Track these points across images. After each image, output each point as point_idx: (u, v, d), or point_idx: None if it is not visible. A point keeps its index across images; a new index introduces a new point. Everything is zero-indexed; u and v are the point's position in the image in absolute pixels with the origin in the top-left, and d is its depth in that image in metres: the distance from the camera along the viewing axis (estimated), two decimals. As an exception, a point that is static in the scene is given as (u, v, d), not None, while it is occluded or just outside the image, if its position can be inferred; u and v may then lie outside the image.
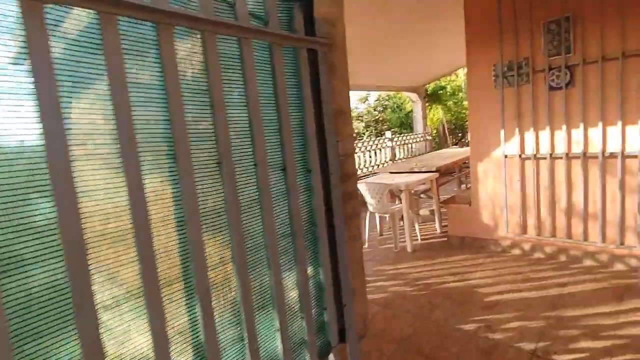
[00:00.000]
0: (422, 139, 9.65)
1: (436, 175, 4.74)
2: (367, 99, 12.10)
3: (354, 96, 12.06)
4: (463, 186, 7.46)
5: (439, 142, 11.57)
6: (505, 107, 3.65)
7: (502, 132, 3.69)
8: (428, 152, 9.79)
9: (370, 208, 4.54)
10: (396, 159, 8.74)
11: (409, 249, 4.25)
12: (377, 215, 4.73)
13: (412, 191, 4.86)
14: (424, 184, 4.98)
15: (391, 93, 13.29)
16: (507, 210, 3.78)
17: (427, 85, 11.12)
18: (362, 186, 4.46)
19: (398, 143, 8.75)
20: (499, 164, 3.82)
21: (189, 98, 1.30)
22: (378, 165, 8.05)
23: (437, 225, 4.84)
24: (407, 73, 8.51)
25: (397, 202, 5.05)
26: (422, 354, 2.33)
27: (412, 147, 9.31)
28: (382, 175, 5.11)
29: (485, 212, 4.02)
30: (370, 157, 7.87)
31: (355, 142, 7.69)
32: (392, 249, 4.37)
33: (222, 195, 1.40)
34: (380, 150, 8.15)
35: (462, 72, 13.47)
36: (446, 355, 2.29)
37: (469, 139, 4.35)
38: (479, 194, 4.03)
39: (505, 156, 3.72)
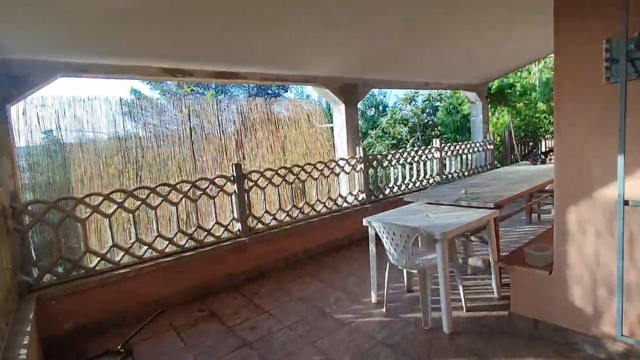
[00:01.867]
0: (481, 149, 7.84)
1: (495, 213, 3.18)
2: (413, 99, 10.36)
3: (397, 95, 10.57)
4: (535, 216, 5.63)
5: (503, 153, 9.57)
6: (631, 115, 2.05)
7: (619, 159, 2.09)
8: (487, 169, 7.94)
9: (390, 258, 3.13)
10: (446, 172, 7.09)
11: (445, 329, 2.78)
12: (402, 267, 3.29)
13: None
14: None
15: (447, 92, 11.43)
16: (623, 293, 2.17)
17: (491, 83, 9.20)
18: (376, 224, 3.06)
19: (449, 153, 7.08)
20: (609, 213, 2.23)
21: None
22: (421, 182, 6.50)
23: (494, 285, 3.27)
24: (464, 67, 6.83)
25: (424, 245, 3.55)
26: None
27: (468, 159, 7.57)
28: (416, 204, 3.64)
29: (578, 288, 2.43)
30: (412, 170, 6.37)
31: (392, 151, 6.23)
32: (421, 326, 2.92)
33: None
34: (425, 162, 6.58)
35: (536, 67, 11.20)
36: None
37: (552, 158, 2.73)
38: (567, 257, 2.45)
39: (625, 202, 2.10)
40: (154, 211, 3.74)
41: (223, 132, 4.70)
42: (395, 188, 6.10)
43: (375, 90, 13.51)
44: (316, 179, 5.02)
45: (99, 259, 3.46)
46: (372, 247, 3.33)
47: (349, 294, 3.68)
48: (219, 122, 4.68)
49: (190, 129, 4.33)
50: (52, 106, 3.64)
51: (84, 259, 3.42)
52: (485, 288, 3.47)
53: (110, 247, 3.52)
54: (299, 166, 4.85)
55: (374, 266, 3.36)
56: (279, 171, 4.67)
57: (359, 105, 5.89)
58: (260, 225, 4.52)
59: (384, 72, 5.95)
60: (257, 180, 4.47)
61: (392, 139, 9.74)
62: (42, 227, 3.60)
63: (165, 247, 3.83)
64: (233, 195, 4.29)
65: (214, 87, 14.43)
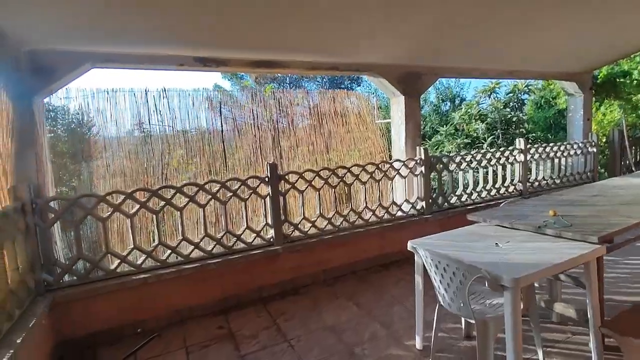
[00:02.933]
0: (579, 152, 6.38)
1: (599, 251, 2.23)
2: (493, 91, 8.88)
3: (475, 86, 9.10)
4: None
5: (610, 159, 7.81)
6: None
7: None
8: (588, 179, 6.46)
9: (440, 299, 2.38)
10: (531, 179, 5.87)
11: (512, 411, 1.98)
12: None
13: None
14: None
15: (538, 82, 9.76)
16: None
17: (597, 71, 7.52)
18: (423, 252, 2.34)
19: (537, 156, 5.84)
20: None
21: None
22: (498, 190, 5.42)
23: (592, 350, 2.33)
24: (562, 51, 5.52)
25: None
26: None
27: (561, 164, 6.21)
28: (482, 226, 2.80)
29: None
30: (487, 175, 5.34)
31: (463, 152, 5.27)
32: (476, 397, 2.15)
33: None
34: (505, 166, 5.48)
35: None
36: None
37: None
38: None
39: None
40: (179, 212, 3.46)
41: (258, 127, 4.27)
42: (465, 197, 5.15)
43: (452, 82, 12.16)
44: (365, 183, 4.36)
45: (119, 261, 3.26)
46: (419, 280, 2.61)
47: (389, 330, 3.00)
48: (253, 115, 4.27)
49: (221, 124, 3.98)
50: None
51: (105, 260, 3.25)
52: (579, 349, 2.53)
53: (132, 249, 3.31)
54: (344, 167, 4.24)
55: (420, 302, 2.63)
56: (320, 173, 4.11)
57: (432, 98, 5.04)
58: (296, 233, 4.03)
59: (455, 58, 5.01)
60: (295, 183, 3.97)
61: (466, 137, 8.53)
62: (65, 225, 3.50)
63: (190, 252, 3.53)
64: (267, 199, 3.84)
65: (278, 80, 14.39)
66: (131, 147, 3.43)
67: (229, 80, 15.75)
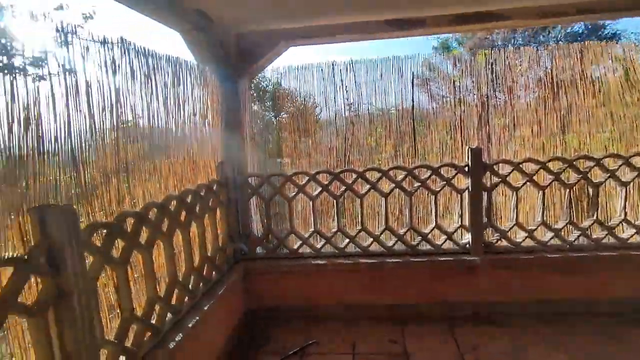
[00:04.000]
0: None
1: None
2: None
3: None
4: None
5: None
6: None
7: None
8: None
9: None
10: None
11: None
12: None
13: None
14: None
15: None
16: None
17: None
18: None
19: None
20: None
21: None
22: None
23: None
24: None
25: None
26: None
27: None
28: None
29: None
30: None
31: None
32: None
33: None
34: None
35: None
36: None
37: None
38: None
39: None
40: (359, 200, 3.12)
41: (461, 101, 3.30)
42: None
43: None
44: (625, 185, 2.85)
45: (300, 242, 3.22)
46: None
47: None
48: (455, 87, 3.31)
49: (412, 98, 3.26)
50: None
51: (289, 240, 3.29)
52: None
53: (312, 232, 3.21)
54: (591, 158, 2.87)
55: None
56: (548, 164, 2.92)
57: None
58: (504, 243, 3.04)
59: None
60: (507, 176, 2.96)
61: None
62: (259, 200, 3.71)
63: (369, 245, 3.16)
64: (465, 193, 3.01)
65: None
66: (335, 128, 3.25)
67: (435, 51, 14.70)
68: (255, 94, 3.64)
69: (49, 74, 1.50)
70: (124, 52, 1.86)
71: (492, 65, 3.33)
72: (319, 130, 3.47)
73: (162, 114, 2.20)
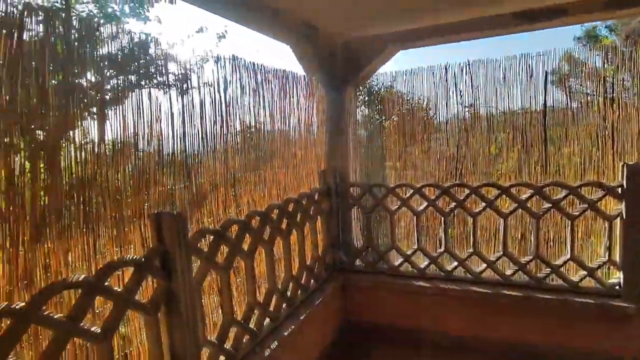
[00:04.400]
0: None
1: None
2: None
3: None
4: None
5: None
6: None
7: None
8: None
9: None
10: None
11: None
12: None
13: None
14: None
15: None
16: None
17: None
18: None
19: None
20: None
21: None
22: None
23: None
24: None
25: None
26: None
27: None
28: None
29: None
30: None
31: None
32: None
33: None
34: None
35: None
36: None
37: None
38: None
39: None
40: (471, 219, 2.76)
41: (611, 103, 2.53)
42: None
43: None
44: None
45: (402, 259, 3.01)
46: None
47: None
48: (606, 85, 2.55)
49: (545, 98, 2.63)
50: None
51: (390, 256, 3.10)
52: None
53: (415, 249, 2.97)
54: None
55: None
56: None
57: None
58: (674, 289, 2.31)
59: None
60: (683, 202, 2.24)
61: None
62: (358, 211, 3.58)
63: (482, 271, 2.77)
64: (616, 221, 2.39)
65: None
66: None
67: (576, 42, 12.42)
68: (367, 98, 3.54)
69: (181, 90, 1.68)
70: (235, 69, 1.98)
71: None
72: (427, 137, 3.19)
73: (268, 125, 2.28)
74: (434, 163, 3.10)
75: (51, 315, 1.13)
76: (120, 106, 1.41)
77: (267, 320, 2.24)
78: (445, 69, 3.00)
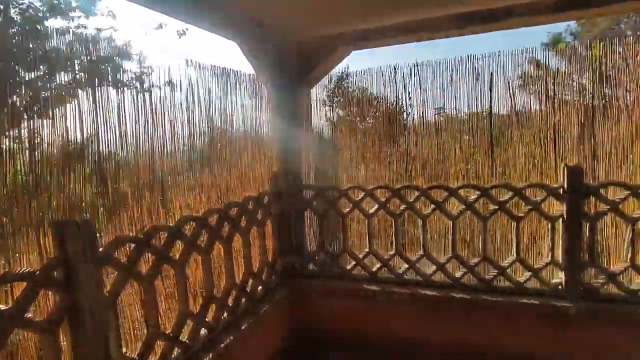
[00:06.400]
0: None
1: None
2: None
3: None
4: None
5: None
6: None
7: None
8: None
9: None
10: None
11: None
12: None
13: None
14: None
15: None
16: None
17: None
18: None
19: None
20: None
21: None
22: None
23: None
24: None
25: None
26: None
27: None
28: None
29: None
30: None
31: None
32: None
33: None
34: None
35: None
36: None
37: None
38: None
39: None
40: (421, 221, 2.73)
41: (554, 107, 2.57)
42: None
43: None
44: None
45: (354, 262, 2.95)
46: None
47: None
48: (547, 89, 2.57)
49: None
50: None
51: (343, 259, 3.04)
52: None
53: (367, 253, 2.91)
54: None
55: None
56: (686, 191, 2.16)
57: None
58: (614, 290, 2.35)
59: None
60: (619, 203, 2.28)
61: None
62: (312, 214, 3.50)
63: (432, 274, 2.75)
64: (558, 222, 2.41)
65: None
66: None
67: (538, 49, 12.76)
68: (323, 98, 3.48)
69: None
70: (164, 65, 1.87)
71: (600, 59, 2.57)
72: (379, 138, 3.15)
73: (204, 126, 2.16)
74: (386, 165, 3.07)
75: None
76: (10, 99, 1.26)
77: (204, 331, 2.13)
78: (394, 69, 2.97)
